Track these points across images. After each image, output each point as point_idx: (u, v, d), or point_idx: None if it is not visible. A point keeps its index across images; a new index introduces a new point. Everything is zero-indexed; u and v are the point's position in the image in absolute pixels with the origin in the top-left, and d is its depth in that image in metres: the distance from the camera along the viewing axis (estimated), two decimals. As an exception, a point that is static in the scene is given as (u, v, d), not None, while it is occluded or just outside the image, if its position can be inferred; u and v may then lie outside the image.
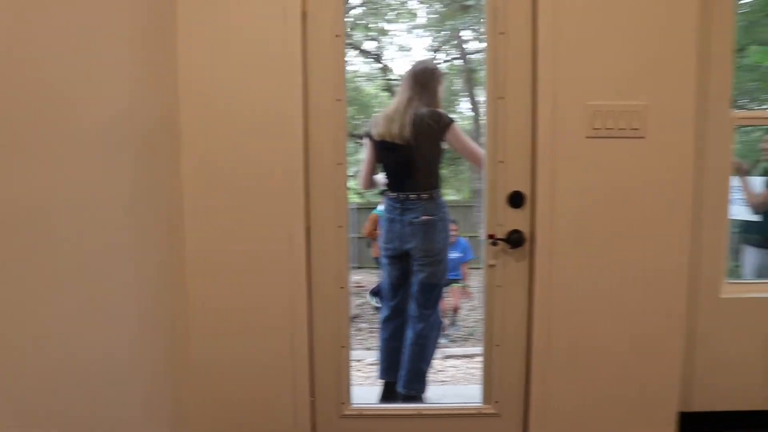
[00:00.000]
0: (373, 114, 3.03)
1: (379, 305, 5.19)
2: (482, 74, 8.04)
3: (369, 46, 8.42)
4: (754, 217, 3.37)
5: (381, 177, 2.93)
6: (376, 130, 2.72)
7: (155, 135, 1.87)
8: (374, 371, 3.95)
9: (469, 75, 8.16)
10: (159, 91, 1.91)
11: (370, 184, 2.94)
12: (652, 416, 2.13)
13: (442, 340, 4.21)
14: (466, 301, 5.57)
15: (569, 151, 2.04)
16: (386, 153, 2.74)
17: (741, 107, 3.89)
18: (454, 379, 3.94)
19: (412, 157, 2.68)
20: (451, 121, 2.67)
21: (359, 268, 7.29)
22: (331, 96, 2.08)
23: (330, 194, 2.12)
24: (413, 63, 2.81)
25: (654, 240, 2.07)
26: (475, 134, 7.36)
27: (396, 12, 7.70)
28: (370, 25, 8.00)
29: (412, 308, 2.81)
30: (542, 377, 2.11)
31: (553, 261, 2.07)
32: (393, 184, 2.78)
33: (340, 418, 2.19)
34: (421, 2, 7.56)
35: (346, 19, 2.20)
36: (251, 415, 2.14)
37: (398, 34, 8.22)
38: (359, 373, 3.86)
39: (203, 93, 2.02)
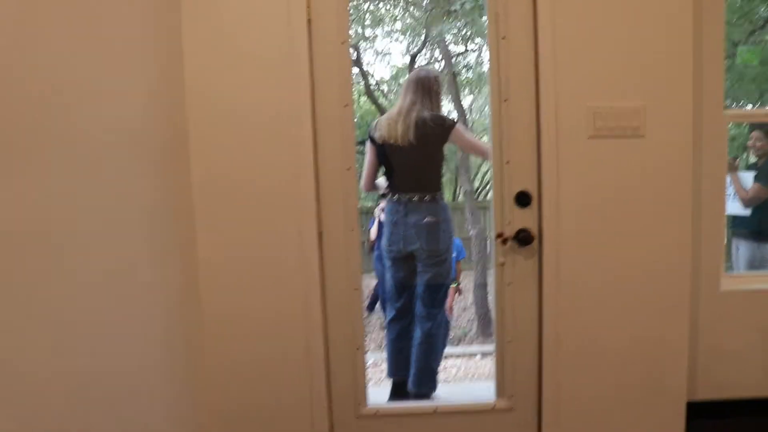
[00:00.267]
0: (376, 118, 3.07)
1: (382, 310, 5.22)
2: (464, 77, 8.12)
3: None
4: (744, 212, 3.48)
5: (382, 180, 2.98)
6: (379, 134, 2.76)
7: (169, 144, 1.90)
8: (378, 373, 3.99)
9: (452, 78, 8.22)
10: (170, 101, 1.93)
11: (372, 187, 2.99)
12: (662, 406, 2.19)
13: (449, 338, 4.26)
14: (458, 300, 5.63)
15: (572, 151, 2.10)
16: (389, 156, 2.78)
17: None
18: (456, 378, 3.99)
19: (415, 159, 2.73)
20: (454, 122, 2.73)
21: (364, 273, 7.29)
22: (339, 102, 2.12)
23: (340, 198, 2.15)
24: (416, 69, 2.87)
25: (657, 236, 2.14)
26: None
27: (376, 17, 7.74)
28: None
29: (419, 308, 2.85)
30: (554, 371, 2.16)
31: (560, 258, 2.13)
32: (396, 187, 2.82)
33: (356, 418, 2.22)
34: (404, 8, 7.62)
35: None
36: (269, 419, 2.15)
37: (377, 38, 8.23)
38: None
39: (211, 101, 2.04)
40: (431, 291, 2.82)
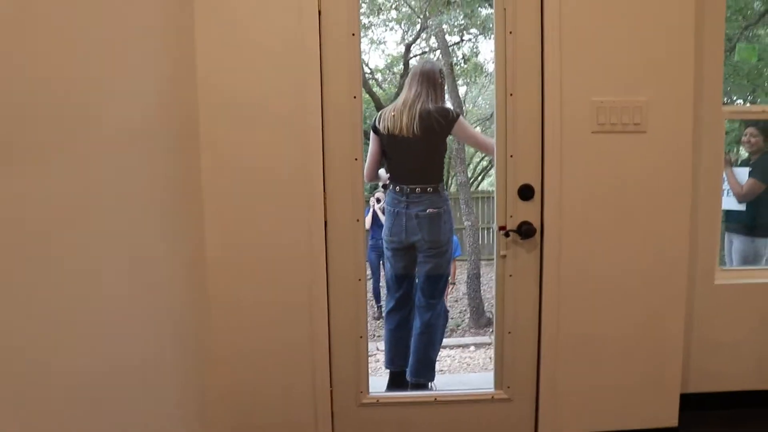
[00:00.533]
0: (381, 109, 3.08)
1: (381, 303, 5.26)
2: (459, 68, 8.10)
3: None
4: (739, 207, 3.54)
5: (383, 171, 2.99)
6: (384, 124, 2.77)
7: (180, 137, 1.90)
8: (372, 362, 4.02)
9: (450, 69, 8.21)
10: (182, 96, 1.93)
11: (375, 177, 3.00)
12: (657, 398, 2.24)
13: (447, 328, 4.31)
14: (450, 292, 5.68)
15: (576, 146, 2.13)
16: (393, 147, 2.80)
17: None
18: (451, 369, 4.04)
19: (419, 150, 2.74)
20: (458, 115, 2.75)
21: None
22: (348, 93, 2.12)
23: (347, 189, 2.16)
24: (421, 61, 2.88)
25: (656, 229, 2.18)
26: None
27: (376, 4, 7.70)
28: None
29: (419, 299, 2.88)
30: (552, 362, 2.20)
31: (561, 251, 2.17)
32: (398, 178, 2.84)
33: (358, 406, 2.25)
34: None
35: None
36: (273, 406, 2.18)
37: (371, 26, 8.19)
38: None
39: (221, 93, 2.05)
40: (431, 281, 2.84)
